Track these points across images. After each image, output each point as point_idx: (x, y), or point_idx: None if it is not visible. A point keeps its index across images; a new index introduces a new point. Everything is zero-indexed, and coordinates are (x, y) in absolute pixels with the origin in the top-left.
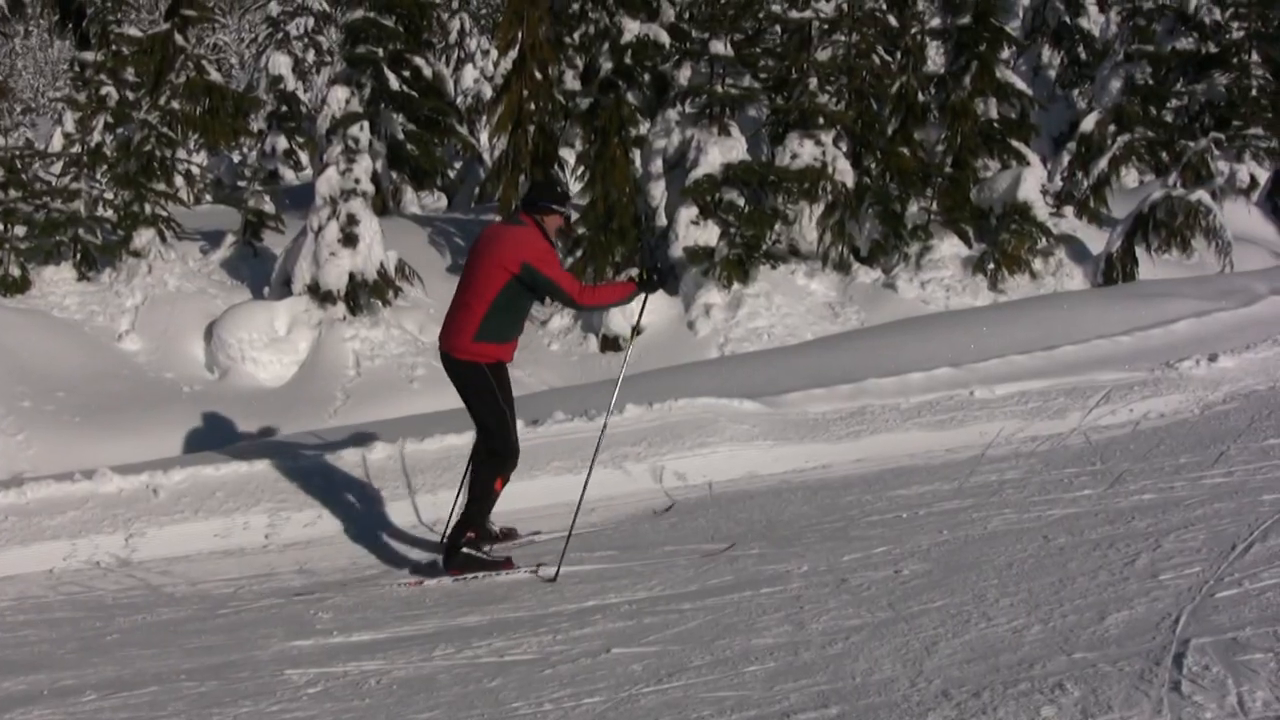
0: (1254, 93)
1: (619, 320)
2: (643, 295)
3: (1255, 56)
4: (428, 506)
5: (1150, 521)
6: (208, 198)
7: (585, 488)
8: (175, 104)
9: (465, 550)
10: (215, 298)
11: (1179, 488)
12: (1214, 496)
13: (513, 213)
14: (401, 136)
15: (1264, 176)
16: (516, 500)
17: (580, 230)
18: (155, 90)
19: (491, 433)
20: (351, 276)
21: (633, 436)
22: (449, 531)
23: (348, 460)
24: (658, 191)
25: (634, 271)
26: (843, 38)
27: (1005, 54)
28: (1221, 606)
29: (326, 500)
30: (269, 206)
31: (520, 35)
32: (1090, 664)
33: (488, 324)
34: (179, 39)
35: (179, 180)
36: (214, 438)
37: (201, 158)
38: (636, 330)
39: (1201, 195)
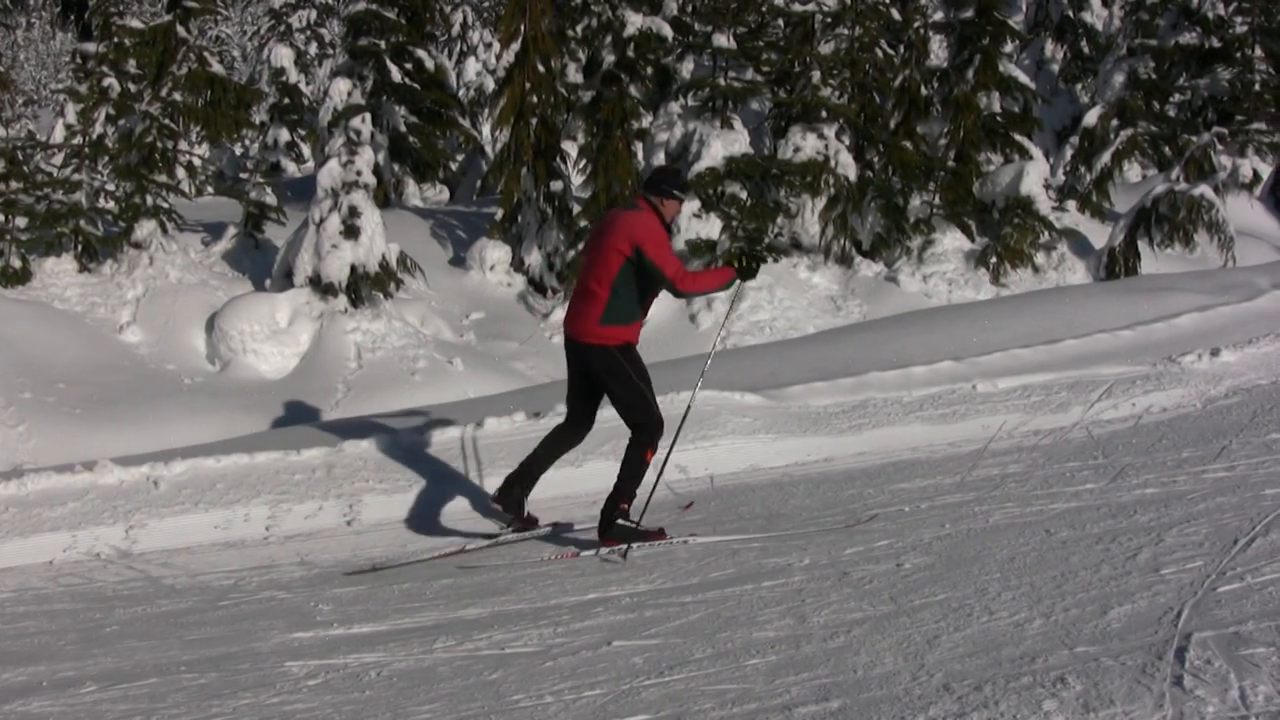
0: (1257, 87)
1: None
2: (738, 283)
3: (1258, 51)
4: (429, 498)
5: (1152, 516)
6: (209, 189)
7: (664, 464)
8: (177, 96)
9: (620, 522)
10: (217, 289)
11: (1181, 482)
12: (1216, 491)
13: (631, 197)
14: (403, 129)
15: (1266, 171)
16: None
17: (583, 223)
18: (157, 82)
19: (633, 409)
20: (353, 269)
21: None
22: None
23: (348, 452)
24: None
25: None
26: (846, 31)
27: (1008, 48)
28: (1224, 601)
29: (328, 492)
30: (270, 198)
31: (523, 28)
32: (1092, 658)
33: (612, 307)
34: (181, 31)
35: (180, 172)
36: (215, 429)
37: (203, 150)
38: (729, 315)
39: (1204, 190)
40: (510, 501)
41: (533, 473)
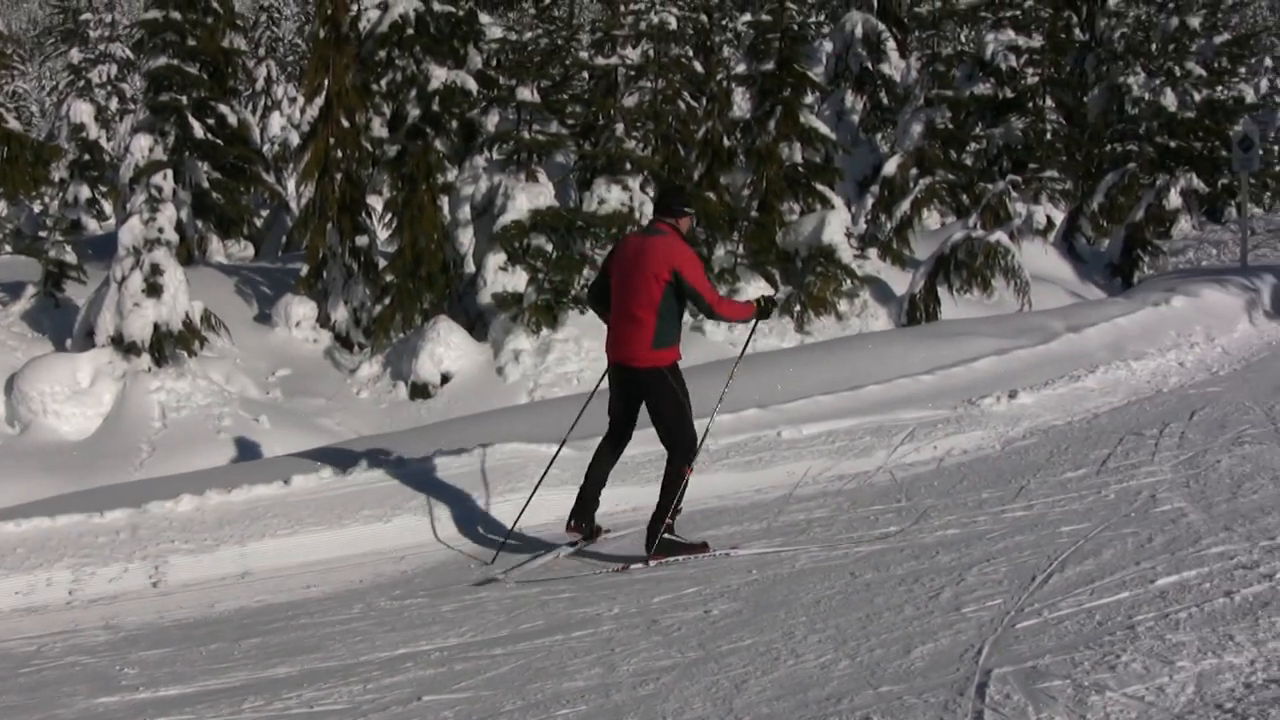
0: (1049, 136)
1: (428, 367)
2: (755, 321)
3: (1049, 101)
4: (234, 558)
5: (954, 556)
6: (7, 248)
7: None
8: None
9: (666, 536)
10: (15, 350)
11: (981, 522)
12: (1015, 529)
13: (650, 224)
14: (207, 185)
15: (1059, 217)
16: (326, 549)
17: (389, 277)
18: None
19: (673, 428)
20: (156, 327)
21: (443, 484)
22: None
23: (153, 513)
24: (466, 238)
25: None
26: (649, 84)
27: (809, 99)
28: (1022, 636)
29: (133, 554)
30: (71, 257)
31: (327, 82)
32: (896, 696)
33: (660, 331)
34: None
35: None
36: (14, 493)
37: (0, 208)
38: (746, 345)
39: (1000, 236)
40: (587, 528)
41: (593, 495)
